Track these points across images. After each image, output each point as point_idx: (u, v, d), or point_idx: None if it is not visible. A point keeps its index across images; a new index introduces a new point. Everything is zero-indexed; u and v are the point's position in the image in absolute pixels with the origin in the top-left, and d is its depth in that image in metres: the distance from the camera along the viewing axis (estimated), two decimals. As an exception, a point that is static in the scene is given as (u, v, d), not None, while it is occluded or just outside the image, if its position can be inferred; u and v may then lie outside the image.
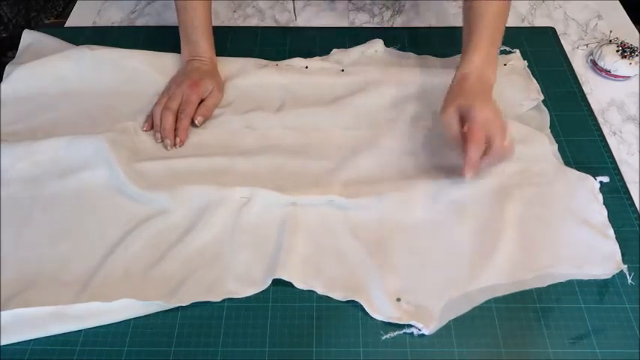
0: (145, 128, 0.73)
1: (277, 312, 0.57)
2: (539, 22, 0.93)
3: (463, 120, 0.63)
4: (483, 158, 0.61)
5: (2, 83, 0.78)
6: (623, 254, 0.60)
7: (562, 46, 0.87)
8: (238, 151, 0.71)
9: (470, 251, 0.61)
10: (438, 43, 0.87)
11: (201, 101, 0.75)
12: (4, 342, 0.54)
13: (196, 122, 0.73)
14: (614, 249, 0.61)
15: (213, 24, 0.92)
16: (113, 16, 0.94)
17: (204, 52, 0.78)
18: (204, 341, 0.55)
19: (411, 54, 0.85)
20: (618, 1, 0.96)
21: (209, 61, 0.78)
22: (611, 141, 0.73)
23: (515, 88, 0.78)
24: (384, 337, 0.55)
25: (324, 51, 0.85)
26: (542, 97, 0.77)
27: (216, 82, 0.77)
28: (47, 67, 0.79)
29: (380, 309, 0.56)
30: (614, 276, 0.59)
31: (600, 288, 0.58)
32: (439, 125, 0.74)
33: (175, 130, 0.71)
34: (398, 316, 0.55)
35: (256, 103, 0.77)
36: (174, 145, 0.71)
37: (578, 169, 0.68)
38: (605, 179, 0.67)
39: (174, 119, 0.72)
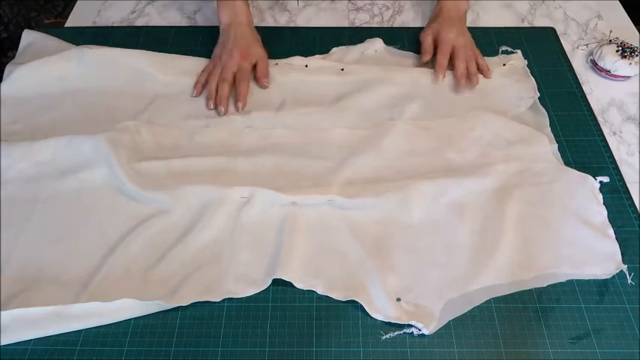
0: (194, 94, 0.78)
1: (277, 312, 0.57)
2: (539, 22, 0.93)
3: (436, 42, 0.82)
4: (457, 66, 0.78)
5: (2, 83, 0.78)
6: (623, 254, 0.60)
7: (562, 46, 0.87)
8: (238, 151, 0.71)
9: (470, 251, 0.61)
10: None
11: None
12: (4, 342, 0.54)
13: (264, 83, 0.78)
14: (614, 249, 0.61)
15: (213, 24, 0.93)
16: (113, 16, 0.94)
17: (244, 15, 0.81)
18: (204, 341, 0.55)
19: (411, 54, 0.85)
20: (618, 1, 0.96)
21: (248, 24, 0.81)
22: (611, 141, 0.73)
23: (513, 88, 0.78)
24: (384, 337, 0.55)
25: (324, 51, 0.85)
26: (537, 95, 0.77)
27: (261, 46, 0.81)
28: (47, 67, 0.79)
29: (380, 309, 0.56)
30: (614, 276, 0.59)
31: (600, 288, 0.58)
32: (440, 125, 0.74)
33: (237, 95, 0.76)
34: (398, 316, 0.55)
35: (256, 103, 0.77)
36: (237, 109, 0.75)
37: (578, 169, 0.68)
38: (605, 179, 0.67)
39: (230, 89, 0.77)
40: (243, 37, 0.80)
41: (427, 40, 0.82)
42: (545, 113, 0.75)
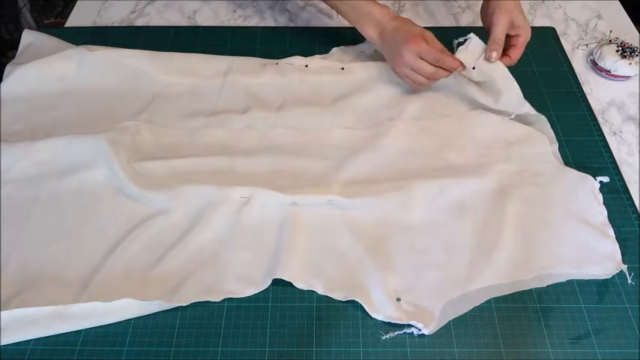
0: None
1: (277, 312, 0.57)
2: (539, 22, 0.93)
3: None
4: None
5: (2, 83, 0.78)
6: (623, 254, 0.60)
7: (562, 46, 0.87)
8: (238, 151, 0.71)
9: (470, 251, 0.61)
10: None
11: None
12: (4, 342, 0.54)
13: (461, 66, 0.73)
14: (614, 249, 0.61)
15: (213, 24, 0.93)
16: (113, 16, 0.94)
17: (382, 15, 0.75)
18: (204, 341, 0.55)
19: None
20: (618, 1, 0.96)
21: (391, 19, 0.75)
22: (611, 141, 0.73)
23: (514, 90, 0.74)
24: (384, 337, 0.55)
25: (324, 51, 0.85)
26: (515, 113, 0.72)
27: (414, 24, 0.74)
28: (47, 67, 0.79)
29: (380, 309, 0.56)
30: (614, 276, 0.59)
31: (600, 288, 0.58)
32: (439, 124, 0.74)
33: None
34: (398, 316, 0.55)
35: (257, 102, 0.77)
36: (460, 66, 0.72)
37: (578, 169, 0.68)
38: (605, 179, 0.67)
39: (430, 67, 0.72)
40: (396, 35, 0.73)
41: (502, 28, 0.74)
42: (545, 119, 0.73)
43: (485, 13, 0.76)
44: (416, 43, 0.71)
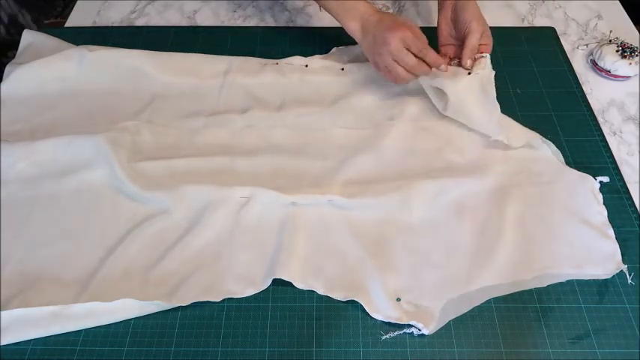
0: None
1: (277, 312, 0.57)
2: (539, 22, 0.93)
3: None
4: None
5: (2, 83, 0.78)
6: (623, 254, 0.60)
7: (562, 46, 0.87)
8: (238, 151, 0.71)
9: (470, 251, 0.61)
10: (438, 42, 0.87)
11: None
12: (4, 342, 0.54)
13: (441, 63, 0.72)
14: (614, 249, 0.61)
15: (213, 24, 0.93)
16: (113, 16, 0.94)
17: (364, 8, 0.74)
18: (204, 341, 0.55)
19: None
20: (618, 1, 0.96)
21: (373, 13, 0.74)
22: (611, 141, 0.73)
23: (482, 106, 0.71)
24: (384, 337, 0.55)
25: (324, 51, 0.85)
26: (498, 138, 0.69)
27: (397, 17, 0.74)
28: (47, 67, 0.79)
29: (380, 309, 0.56)
30: (614, 276, 0.59)
31: (600, 288, 0.58)
32: (439, 125, 0.74)
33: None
34: (398, 316, 0.55)
35: (257, 102, 0.77)
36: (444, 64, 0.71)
37: (578, 169, 0.68)
38: (605, 179, 0.67)
39: (414, 58, 0.70)
40: (380, 25, 0.71)
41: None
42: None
43: (456, 15, 0.75)
44: (402, 30, 0.70)
